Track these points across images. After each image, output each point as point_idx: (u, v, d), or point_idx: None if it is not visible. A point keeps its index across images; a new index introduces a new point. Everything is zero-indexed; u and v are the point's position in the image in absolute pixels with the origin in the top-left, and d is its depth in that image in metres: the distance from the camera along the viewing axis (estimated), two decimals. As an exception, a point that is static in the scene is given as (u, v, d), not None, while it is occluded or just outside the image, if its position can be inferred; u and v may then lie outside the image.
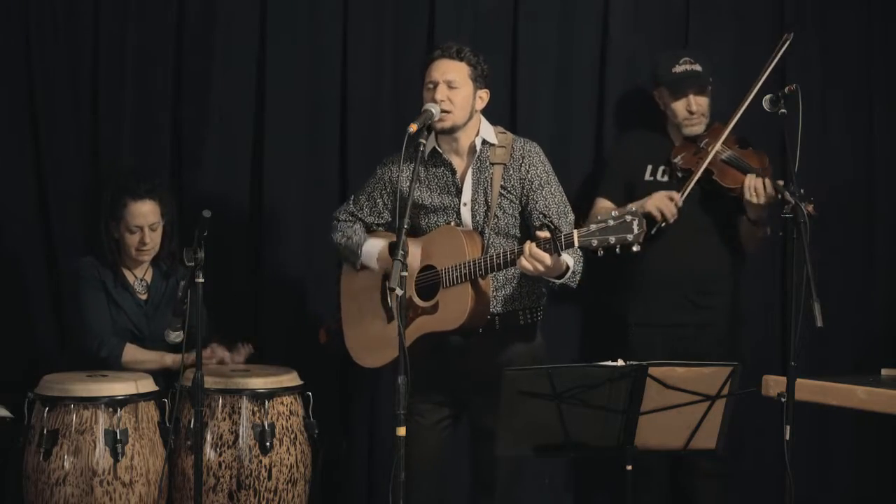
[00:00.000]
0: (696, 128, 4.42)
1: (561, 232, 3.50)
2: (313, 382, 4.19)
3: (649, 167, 4.47)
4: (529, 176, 3.86)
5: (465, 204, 3.88)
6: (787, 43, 4.31)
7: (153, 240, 4.29)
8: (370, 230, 4.06)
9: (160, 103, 4.70)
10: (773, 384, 3.70)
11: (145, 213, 4.25)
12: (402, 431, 3.32)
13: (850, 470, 4.90)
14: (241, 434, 3.99)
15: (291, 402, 4.11)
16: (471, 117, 3.86)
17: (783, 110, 3.81)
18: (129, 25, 4.65)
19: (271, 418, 4.01)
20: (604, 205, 4.43)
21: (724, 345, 4.37)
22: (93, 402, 3.87)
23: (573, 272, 3.72)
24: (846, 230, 4.87)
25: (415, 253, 3.80)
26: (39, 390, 3.96)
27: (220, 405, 4.00)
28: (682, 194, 4.31)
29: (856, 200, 4.90)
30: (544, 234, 3.53)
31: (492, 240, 3.84)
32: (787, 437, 3.56)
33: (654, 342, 4.38)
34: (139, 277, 4.37)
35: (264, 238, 4.76)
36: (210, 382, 3.93)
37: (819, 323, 3.51)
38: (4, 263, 4.61)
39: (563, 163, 4.43)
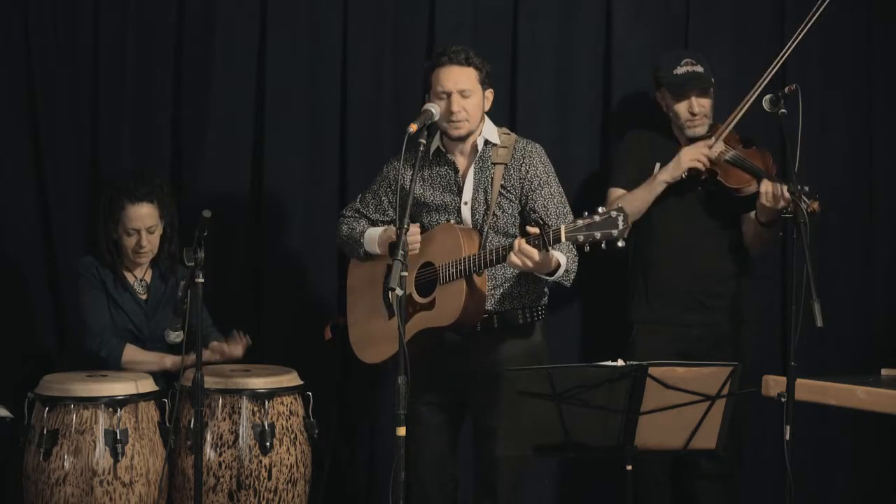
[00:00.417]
0: (699, 129, 4.39)
1: (549, 227, 3.51)
2: (313, 382, 4.19)
3: (658, 165, 4.45)
4: (529, 176, 3.87)
5: (465, 202, 3.90)
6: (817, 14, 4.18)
7: (151, 242, 4.28)
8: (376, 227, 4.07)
9: (160, 103, 4.70)
10: (773, 384, 3.69)
11: (143, 215, 4.24)
12: (402, 431, 3.31)
13: (850, 470, 4.90)
14: (241, 434, 3.99)
15: (291, 402, 4.11)
16: (482, 119, 3.90)
17: (783, 110, 3.80)
18: (129, 25, 4.65)
19: (271, 418, 4.01)
20: (619, 194, 4.39)
21: (730, 344, 4.36)
22: (93, 402, 3.87)
23: (566, 270, 3.72)
24: (846, 230, 4.87)
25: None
26: (39, 390, 3.96)
27: (220, 405, 4.00)
28: (718, 138, 4.27)
29: (856, 200, 4.90)
30: (534, 230, 3.54)
31: (491, 238, 3.85)
32: (787, 437, 3.56)
33: (660, 343, 4.35)
34: (139, 278, 4.36)
35: (264, 238, 4.76)
36: (210, 382, 3.93)
37: (819, 323, 3.51)
38: (5, 264, 4.61)
39: (563, 163, 4.42)
